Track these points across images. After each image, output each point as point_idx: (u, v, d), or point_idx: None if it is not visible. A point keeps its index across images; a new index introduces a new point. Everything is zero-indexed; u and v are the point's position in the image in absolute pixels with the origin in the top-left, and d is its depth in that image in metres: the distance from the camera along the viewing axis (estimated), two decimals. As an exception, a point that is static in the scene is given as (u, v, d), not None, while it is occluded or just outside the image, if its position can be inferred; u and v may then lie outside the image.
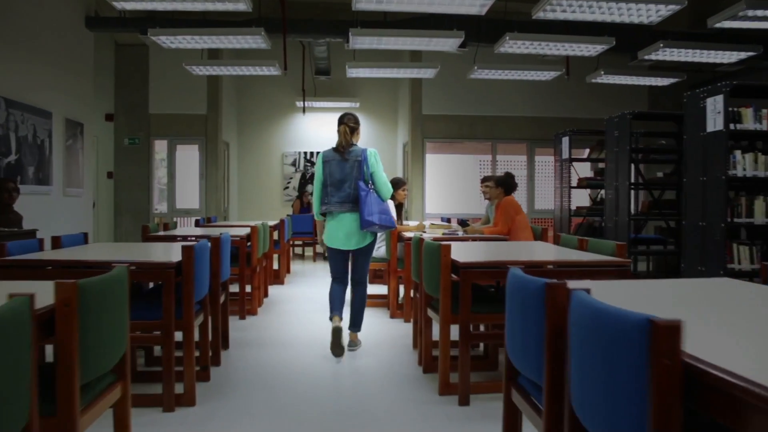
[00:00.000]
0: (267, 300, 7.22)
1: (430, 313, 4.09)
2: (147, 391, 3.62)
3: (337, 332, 4.77)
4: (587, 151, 10.40)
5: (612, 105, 11.70)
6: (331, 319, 4.92)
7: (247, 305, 6.23)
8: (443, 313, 3.66)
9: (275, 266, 8.78)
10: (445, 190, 12.02)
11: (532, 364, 2.12)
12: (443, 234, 6.10)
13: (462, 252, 3.96)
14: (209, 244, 3.80)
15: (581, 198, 10.67)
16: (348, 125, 5.06)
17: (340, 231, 4.88)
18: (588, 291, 1.70)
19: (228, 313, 4.73)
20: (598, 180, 9.28)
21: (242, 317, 6.05)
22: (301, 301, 7.32)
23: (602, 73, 9.41)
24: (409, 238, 5.83)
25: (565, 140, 9.37)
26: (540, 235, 6.37)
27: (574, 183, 9.41)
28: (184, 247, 3.37)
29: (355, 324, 5.05)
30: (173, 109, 11.38)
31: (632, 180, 7.60)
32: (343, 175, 4.88)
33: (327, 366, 4.49)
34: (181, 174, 11.63)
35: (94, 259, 3.47)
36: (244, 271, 6.03)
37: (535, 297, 2.02)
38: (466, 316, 3.52)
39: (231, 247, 5.66)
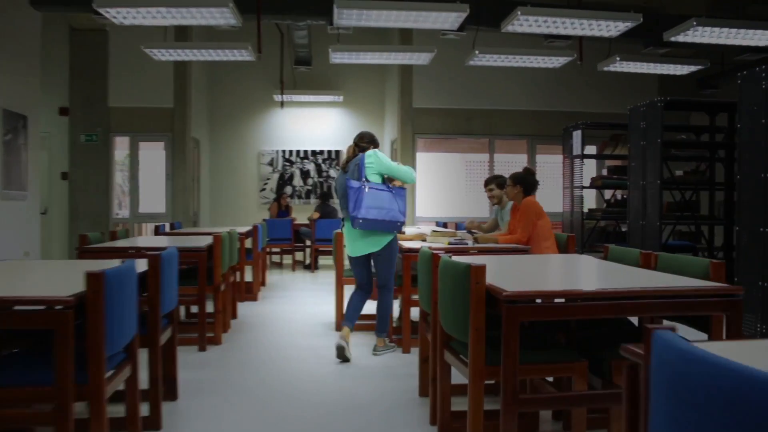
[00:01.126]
0: (236, 323, 6.07)
1: (449, 357, 2.97)
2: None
3: (339, 350, 4.57)
4: (594, 148, 9.36)
5: (619, 99, 10.63)
6: (341, 329, 4.76)
7: (210, 331, 5.08)
8: (474, 364, 2.55)
9: (249, 278, 7.62)
10: (438, 192, 10.91)
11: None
12: (448, 243, 4.99)
13: (490, 272, 2.85)
14: (134, 266, 2.65)
15: (588, 200, 9.62)
16: (356, 144, 4.94)
17: (347, 238, 4.89)
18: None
19: (175, 352, 3.58)
20: (614, 179, 8.23)
21: (202, 348, 4.89)
22: (277, 323, 6.18)
23: (618, 59, 8.35)
24: (410, 250, 4.73)
25: (577, 134, 8.32)
26: (566, 246, 5.28)
27: (586, 182, 8.36)
28: (90, 276, 2.23)
29: (379, 329, 4.88)
30: (136, 102, 10.17)
31: (663, 178, 6.54)
32: (344, 186, 4.72)
33: (310, 427, 3.36)
34: (145, 175, 10.43)
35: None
36: (204, 292, 4.87)
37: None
38: (512, 370, 2.41)
39: (189, 262, 4.61)
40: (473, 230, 5.67)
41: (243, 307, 6.80)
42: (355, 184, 4.58)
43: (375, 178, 4.67)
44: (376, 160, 4.71)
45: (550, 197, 11.96)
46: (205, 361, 4.64)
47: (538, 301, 2.48)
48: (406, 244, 4.95)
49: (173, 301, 3.41)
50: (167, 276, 3.21)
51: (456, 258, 2.97)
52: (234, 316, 6.20)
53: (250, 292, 7.41)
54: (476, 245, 4.98)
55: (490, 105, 10.70)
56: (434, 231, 5.49)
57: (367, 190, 4.55)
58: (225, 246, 5.21)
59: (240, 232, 7.07)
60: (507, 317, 2.36)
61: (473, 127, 10.69)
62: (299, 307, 6.97)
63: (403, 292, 4.80)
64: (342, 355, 4.56)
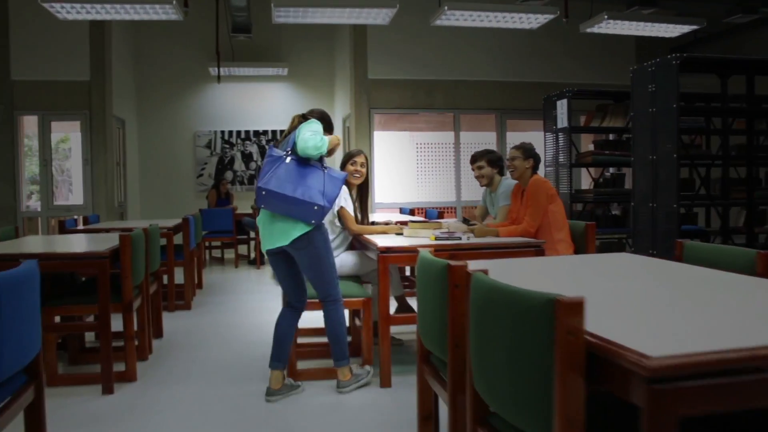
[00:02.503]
0: (160, 345, 4.75)
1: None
2: None
3: (272, 397, 3.53)
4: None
5: (594, 69, 9.66)
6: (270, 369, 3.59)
7: (120, 361, 3.78)
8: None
9: (180, 280, 6.29)
10: (400, 175, 9.70)
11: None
12: (435, 239, 3.80)
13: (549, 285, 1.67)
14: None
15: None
16: (303, 115, 3.80)
17: (259, 226, 3.64)
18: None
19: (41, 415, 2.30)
20: (606, 155, 7.15)
21: (108, 390, 3.59)
22: (214, 342, 4.90)
23: (606, 17, 7.28)
24: (387, 249, 3.53)
25: (562, 105, 7.20)
26: (583, 237, 4.14)
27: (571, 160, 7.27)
28: None
29: (336, 356, 3.64)
30: (45, 74, 8.65)
31: (680, 151, 5.45)
32: None
33: None
34: (60, 160, 8.93)
35: None
36: (107, 313, 3.56)
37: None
38: None
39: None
40: (471, 220, 4.46)
41: (171, 321, 5.50)
42: (276, 152, 3.52)
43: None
44: (305, 126, 3.53)
45: None
46: (109, 411, 3.35)
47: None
48: (380, 242, 3.73)
49: (30, 346, 2.13)
50: (26, 304, 1.94)
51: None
52: (159, 334, 4.90)
53: (181, 300, 6.09)
54: (473, 241, 3.78)
55: (454, 75, 9.53)
56: (412, 222, 4.26)
57: (287, 160, 3.46)
58: (138, 248, 3.90)
59: (166, 227, 5.75)
60: (655, 409, 1.16)
61: (436, 100, 9.51)
62: (242, 318, 5.70)
63: (380, 307, 3.59)
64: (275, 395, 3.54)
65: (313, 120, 3.57)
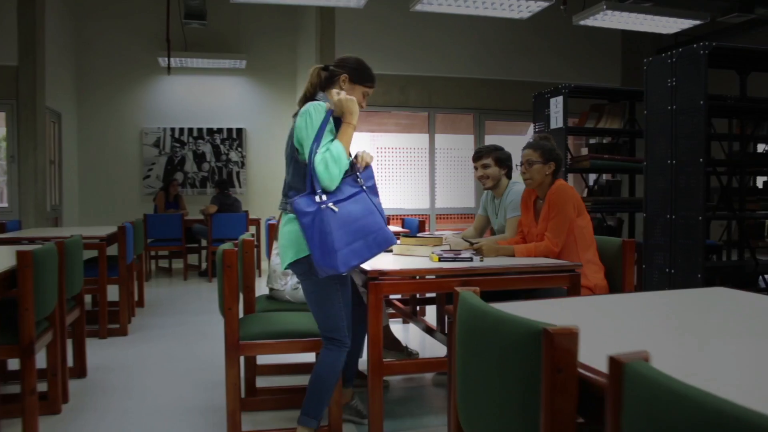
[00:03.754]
0: (80, 387, 3.77)
1: None
2: None
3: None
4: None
5: (578, 68, 8.96)
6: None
7: (16, 422, 2.81)
8: None
9: (115, 298, 5.27)
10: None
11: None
12: (439, 260, 2.92)
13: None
14: None
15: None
16: (324, 68, 2.86)
17: None
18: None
19: None
20: (605, 159, 6.39)
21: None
22: (151, 384, 3.94)
23: (604, 7, 6.55)
24: (379, 275, 2.65)
25: (556, 103, 6.42)
26: (617, 258, 3.32)
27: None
28: None
29: (305, 410, 2.70)
30: (-36, 58, 7.57)
31: (708, 156, 4.69)
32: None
33: None
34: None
35: None
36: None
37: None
38: None
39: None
40: (470, 239, 3.57)
41: (101, 352, 4.51)
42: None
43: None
44: (303, 123, 2.55)
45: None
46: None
47: None
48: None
49: None
50: None
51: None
52: (81, 372, 3.92)
53: (116, 323, 5.09)
54: (489, 264, 2.92)
55: (430, 71, 8.71)
56: (404, 237, 3.38)
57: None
58: (45, 269, 2.93)
59: (98, 236, 4.77)
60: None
61: (410, 98, 8.68)
62: (189, 348, 4.74)
63: (369, 357, 2.69)
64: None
65: (317, 105, 2.57)
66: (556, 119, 6.42)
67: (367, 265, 2.69)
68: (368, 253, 2.48)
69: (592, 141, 7.65)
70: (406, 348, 4.12)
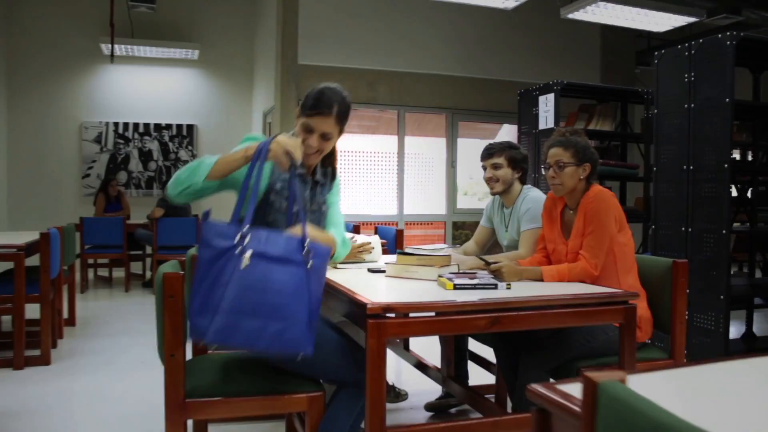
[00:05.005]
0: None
1: None
2: None
3: None
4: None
5: (557, 68, 8.36)
6: None
7: None
8: None
9: (37, 316, 4.42)
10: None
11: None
12: (453, 285, 2.21)
13: None
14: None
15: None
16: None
17: None
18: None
19: None
20: (601, 165, 5.77)
21: None
22: None
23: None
24: (384, 310, 1.92)
25: (547, 101, 5.80)
26: (665, 281, 2.66)
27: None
28: None
29: None
30: None
31: (732, 161, 4.10)
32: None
33: None
34: None
35: None
36: None
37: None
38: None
39: None
40: (486, 258, 2.85)
41: (15, 387, 3.68)
42: None
43: None
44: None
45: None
46: None
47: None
48: (362, 292, 2.12)
49: None
50: None
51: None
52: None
53: (36, 349, 4.25)
54: (521, 295, 2.22)
55: (401, 66, 8.02)
56: (401, 253, 2.66)
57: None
58: None
59: (14, 245, 3.95)
60: None
61: (379, 94, 7.98)
62: (126, 382, 3.92)
63: (368, 423, 1.95)
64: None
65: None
66: (546, 119, 5.81)
67: (364, 295, 1.98)
68: (258, 341, 1.81)
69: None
70: (393, 387, 3.42)
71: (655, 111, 4.63)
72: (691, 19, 6.70)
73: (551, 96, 5.73)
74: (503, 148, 3.18)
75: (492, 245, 3.49)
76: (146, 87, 9.18)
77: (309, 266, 1.86)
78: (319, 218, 2.30)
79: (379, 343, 1.87)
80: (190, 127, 9.32)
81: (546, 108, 5.81)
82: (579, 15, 6.51)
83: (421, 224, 8.54)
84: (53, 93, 8.85)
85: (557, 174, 2.69)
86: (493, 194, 3.26)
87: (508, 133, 9.50)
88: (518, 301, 2.08)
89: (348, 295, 2.08)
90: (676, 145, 4.42)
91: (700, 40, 4.27)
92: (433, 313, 1.99)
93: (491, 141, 3.36)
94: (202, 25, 9.14)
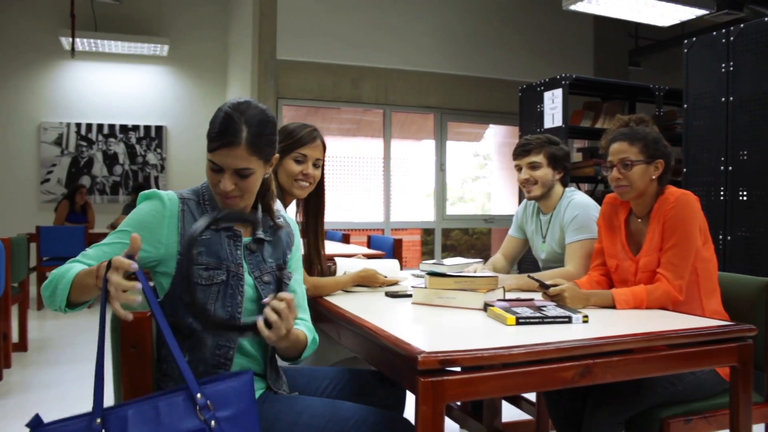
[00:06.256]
0: None
1: None
2: None
3: None
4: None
5: (549, 68, 7.89)
6: None
7: None
8: None
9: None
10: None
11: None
12: (516, 320, 1.66)
13: None
14: None
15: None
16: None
17: None
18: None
19: None
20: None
21: None
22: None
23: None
24: (442, 363, 1.34)
25: (554, 97, 5.30)
26: (759, 304, 2.14)
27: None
28: None
29: None
30: None
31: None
32: None
33: None
34: None
35: None
36: None
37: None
38: None
39: None
40: (539, 279, 2.28)
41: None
42: None
43: None
44: None
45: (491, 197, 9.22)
46: None
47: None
48: (405, 334, 1.57)
49: None
50: None
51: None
52: None
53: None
54: (604, 337, 1.68)
55: (388, 63, 7.49)
56: (431, 274, 2.09)
57: None
58: None
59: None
60: None
61: (363, 92, 7.43)
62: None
63: None
64: None
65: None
66: (553, 117, 5.30)
67: (410, 341, 1.42)
68: None
69: (577, 145, 6.63)
70: None
71: (684, 106, 4.14)
72: (700, 12, 6.28)
73: (559, 91, 5.23)
74: (542, 143, 2.65)
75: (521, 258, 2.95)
76: (111, 85, 8.51)
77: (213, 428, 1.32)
78: (279, 288, 1.58)
79: (435, 411, 1.32)
80: (159, 128, 8.67)
81: (552, 105, 5.31)
82: (581, 6, 6.03)
83: (409, 232, 8.04)
84: (8, 90, 8.13)
85: (624, 174, 2.15)
86: (530, 199, 2.72)
87: (495, 134, 9.04)
88: (613, 342, 1.53)
89: (378, 337, 1.52)
90: (711, 144, 3.93)
91: (741, 25, 3.80)
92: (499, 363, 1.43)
93: (519, 139, 2.82)
94: (172, 19, 8.50)
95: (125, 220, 1.64)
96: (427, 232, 9.14)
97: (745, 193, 3.75)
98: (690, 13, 6.34)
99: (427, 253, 9.54)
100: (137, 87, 8.64)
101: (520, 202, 5.80)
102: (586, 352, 1.48)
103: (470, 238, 10.59)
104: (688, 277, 2.07)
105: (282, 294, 1.45)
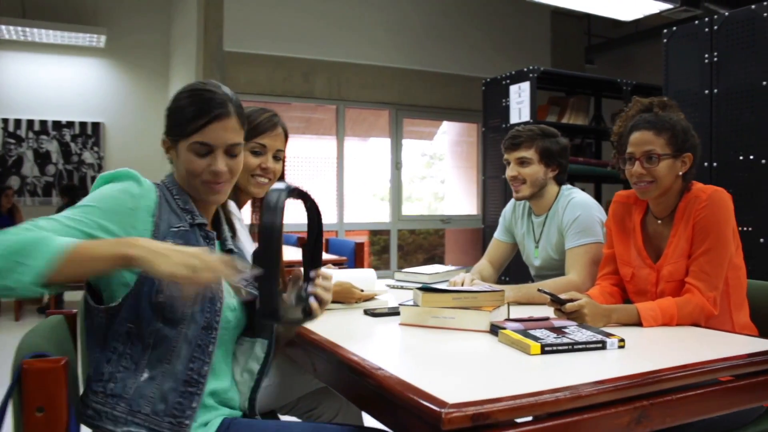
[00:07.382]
0: None
1: None
2: None
3: None
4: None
5: (508, 58, 7.68)
6: None
7: None
8: None
9: None
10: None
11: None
12: (540, 348, 1.34)
13: None
14: None
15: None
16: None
17: None
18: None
19: None
20: (580, 164, 5.09)
21: None
22: None
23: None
24: (479, 418, 0.97)
25: (521, 91, 5.04)
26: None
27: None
28: None
29: None
30: None
31: None
32: None
33: None
34: None
35: None
36: None
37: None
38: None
39: None
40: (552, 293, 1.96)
41: None
42: None
43: None
44: None
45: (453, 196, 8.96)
46: None
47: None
48: (432, 388, 1.23)
49: None
50: None
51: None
52: None
53: None
54: (655, 367, 1.37)
55: (341, 56, 7.14)
56: (425, 292, 1.76)
57: None
58: None
59: None
60: None
61: (315, 87, 7.07)
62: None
63: None
64: None
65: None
66: (520, 111, 5.04)
67: (423, 387, 1.08)
68: None
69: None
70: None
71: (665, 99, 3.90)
72: (665, 6, 6.13)
73: (526, 85, 4.96)
74: (534, 136, 2.34)
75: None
76: (43, 78, 7.91)
77: None
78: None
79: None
80: (95, 125, 8.11)
81: (519, 99, 5.05)
82: (545, -2, 5.80)
83: (363, 233, 7.71)
84: (-73, 83, 7.48)
85: (649, 169, 1.84)
86: (518, 199, 2.41)
87: (449, 131, 8.77)
88: (671, 377, 1.22)
89: (382, 387, 1.17)
90: (727, 138, 3.71)
91: (725, 13, 3.58)
92: (529, 417, 1.10)
93: (512, 130, 2.49)
94: (110, 7, 7.94)
95: (90, 196, 1.31)
96: (374, 233, 8.84)
97: (731, 191, 3.53)
98: (655, 7, 6.18)
99: (375, 254, 9.22)
100: (72, 80, 8.06)
101: (484, 201, 5.53)
102: (643, 391, 1.16)
103: (417, 238, 10.30)
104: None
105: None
